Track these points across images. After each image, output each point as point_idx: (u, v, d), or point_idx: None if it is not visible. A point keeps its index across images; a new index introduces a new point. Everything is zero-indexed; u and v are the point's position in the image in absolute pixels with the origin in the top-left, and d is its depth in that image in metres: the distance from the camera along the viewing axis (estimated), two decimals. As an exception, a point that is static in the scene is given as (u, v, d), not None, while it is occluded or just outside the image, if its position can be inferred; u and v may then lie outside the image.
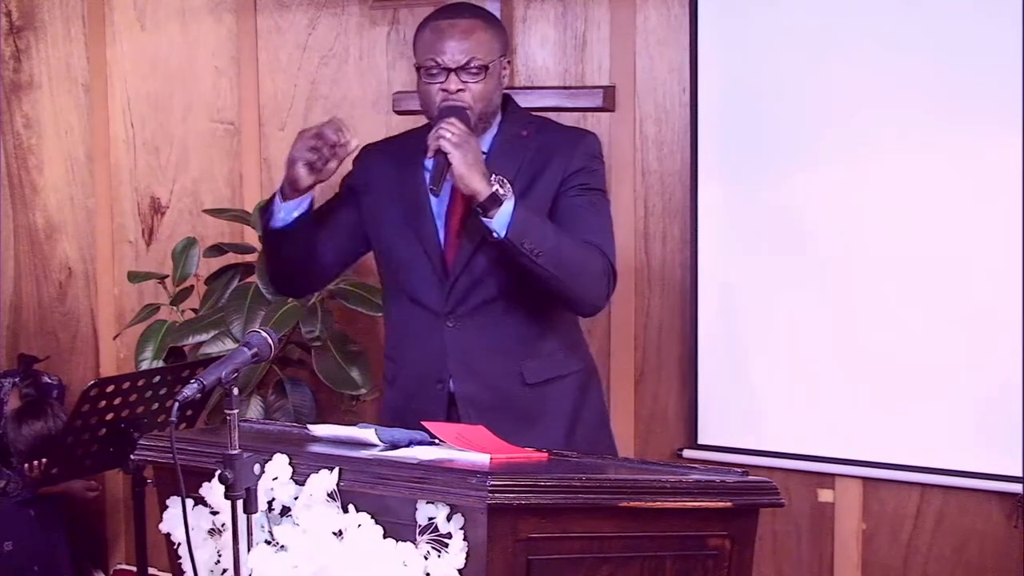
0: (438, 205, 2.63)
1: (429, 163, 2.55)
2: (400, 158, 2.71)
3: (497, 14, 3.51)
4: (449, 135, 2.44)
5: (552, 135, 2.67)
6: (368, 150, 2.79)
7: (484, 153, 2.58)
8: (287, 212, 2.60)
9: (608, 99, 3.49)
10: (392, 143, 2.83)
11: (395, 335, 2.75)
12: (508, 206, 2.44)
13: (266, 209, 2.65)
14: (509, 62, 2.66)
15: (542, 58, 3.61)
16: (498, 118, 2.65)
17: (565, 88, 3.56)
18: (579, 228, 2.56)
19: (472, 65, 2.53)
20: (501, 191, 2.44)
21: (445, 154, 2.44)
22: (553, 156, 2.61)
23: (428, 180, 2.50)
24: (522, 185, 2.55)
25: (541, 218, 2.52)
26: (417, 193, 2.64)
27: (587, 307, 2.63)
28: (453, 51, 2.53)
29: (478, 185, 2.43)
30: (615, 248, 2.65)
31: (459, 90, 2.53)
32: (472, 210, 2.49)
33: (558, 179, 2.60)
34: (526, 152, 2.62)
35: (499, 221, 2.44)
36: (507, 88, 3.50)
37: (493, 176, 2.46)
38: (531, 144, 2.63)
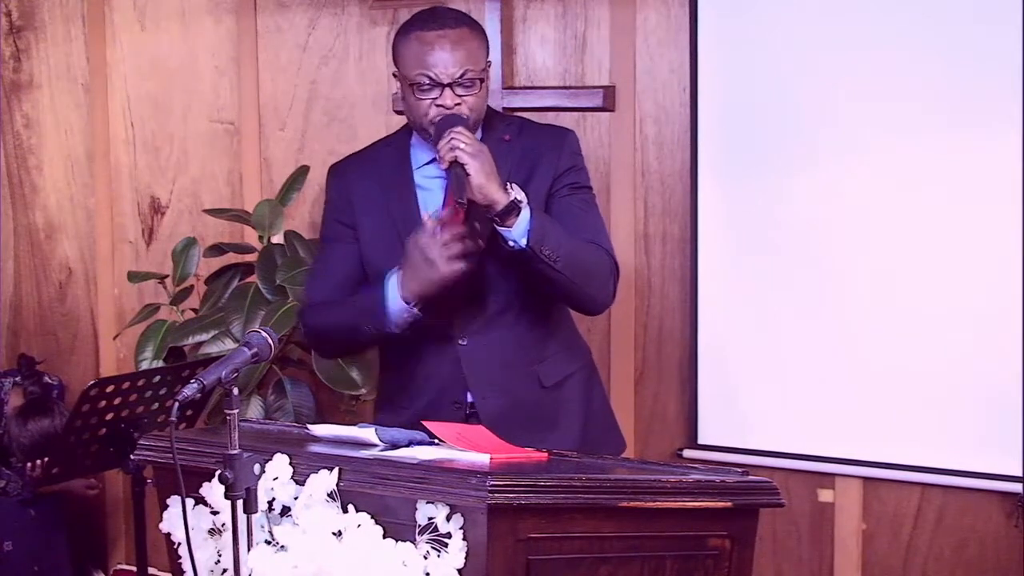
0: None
1: (428, 180, 2.52)
2: (380, 175, 2.65)
3: (497, 14, 3.53)
4: (463, 145, 2.38)
5: (533, 137, 2.63)
6: (340, 170, 2.72)
7: None
8: (402, 317, 2.49)
9: (608, 99, 3.50)
10: (364, 158, 2.73)
11: (399, 360, 2.67)
12: (526, 214, 2.40)
13: (377, 312, 2.51)
14: (491, 62, 2.61)
15: (542, 58, 3.61)
16: (480, 123, 2.61)
17: (565, 88, 3.56)
18: (578, 228, 2.54)
19: (466, 78, 2.48)
20: (519, 198, 2.40)
21: (461, 164, 2.38)
22: (540, 158, 2.58)
23: (448, 194, 2.43)
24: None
25: (554, 222, 2.48)
26: (407, 217, 2.58)
27: (597, 306, 2.61)
28: (446, 64, 2.47)
29: (497, 195, 2.38)
30: (611, 243, 2.65)
31: (456, 104, 2.47)
32: (487, 220, 2.43)
33: (548, 181, 2.58)
34: (512, 156, 2.58)
35: (518, 229, 2.40)
36: (507, 88, 3.55)
37: (507, 184, 2.41)
38: (515, 148, 2.59)
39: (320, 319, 2.66)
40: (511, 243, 2.41)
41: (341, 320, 2.61)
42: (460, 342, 2.58)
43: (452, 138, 2.40)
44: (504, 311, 2.58)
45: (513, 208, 2.39)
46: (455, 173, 2.40)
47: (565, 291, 2.50)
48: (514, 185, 2.43)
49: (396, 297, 2.48)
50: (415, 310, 2.48)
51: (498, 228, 2.42)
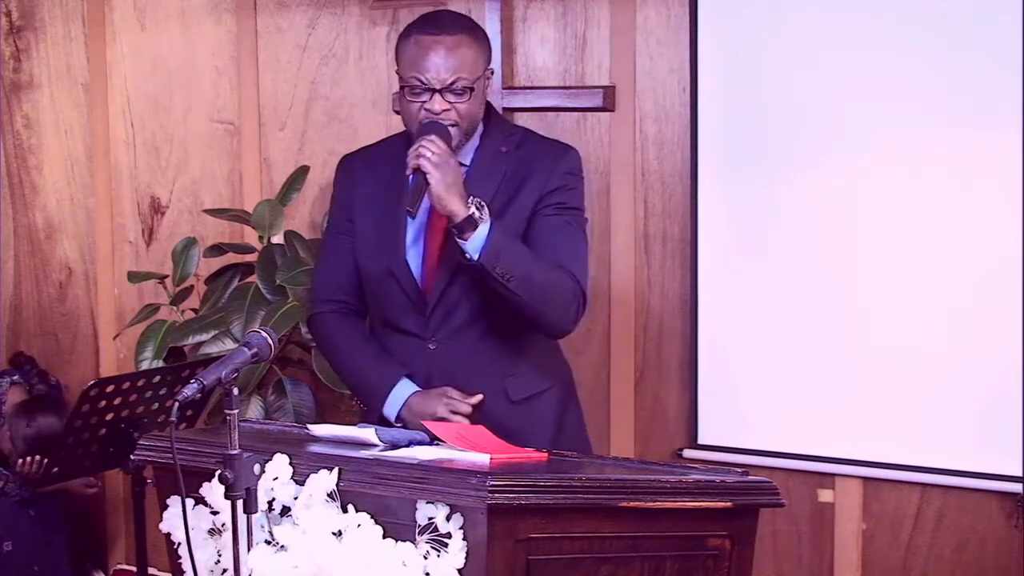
0: (417, 228, 2.60)
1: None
2: (380, 173, 2.68)
3: (497, 14, 3.53)
4: (429, 154, 2.41)
5: (532, 150, 2.63)
6: (347, 163, 2.76)
7: (465, 167, 2.56)
8: (389, 417, 2.62)
9: (608, 99, 3.49)
10: (370, 153, 2.77)
11: None
12: (483, 230, 2.42)
13: (373, 403, 2.64)
14: (492, 71, 2.63)
15: (542, 58, 3.61)
16: (480, 129, 2.61)
17: (565, 88, 3.56)
18: (552, 249, 2.54)
19: (457, 85, 2.49)
20: (477, 214, 2.42)
21: (424, 173, 2.41)
22: (532, 173, 2.58)
23: (407, 201, 2.46)
24: (501, 202, 2.53)
25: (515, 242, 2.49)
26: (393, 218, 2.61)
27: (554, 331, 2.62)
28: (438, 69, 2.48)
29: (455, 207, 2.41)
30: (587, 270, 2.64)
31: (444, 110, 2.49)
32: (448, 230, 2.47)
33: (536, 197, 2.58)
34: (506, 168, 2.59)
35: (473, 244, 2.42)
36: (507, 88, 3.55)
37: (471, 198, 2.43)
38: (510, 160, 2.60)
39: (331, 347, 2.78)
40: (467, 256, 2.44)
41: (345, 371, 2.75)
42: (430, 345, 2.61)
43: (420, 146, 2.43)
44: (472, 322, 2.59)
45: (471, 222, 2.41)
46: (416, 181, 2.43)
47: (520, 311, 2.50)
48: (477, 200, 2.44)
49: (396, 409, 2.59)
50: (399, 424, 2.58)
51: (456, 239, 2.44)
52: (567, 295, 2.54)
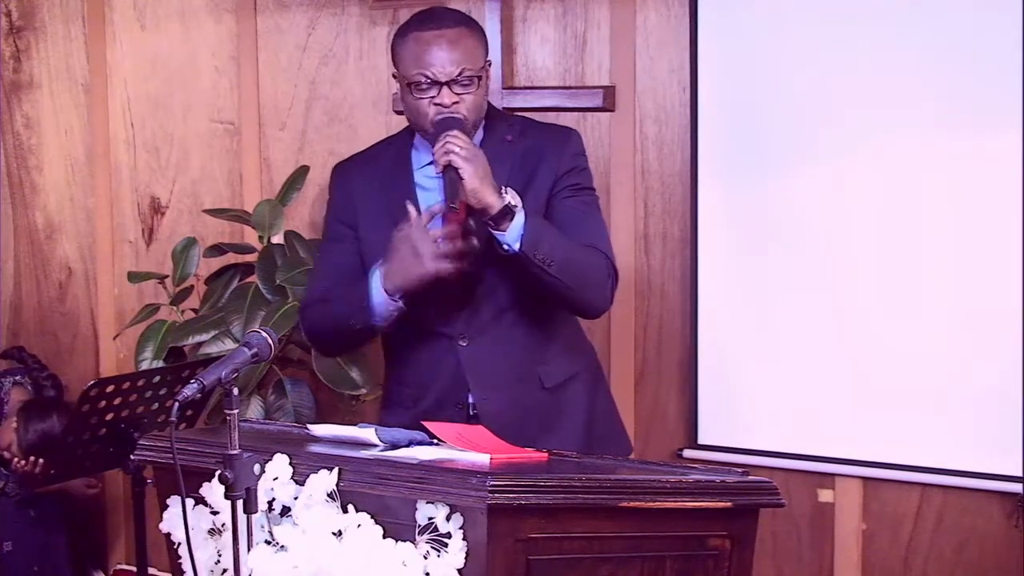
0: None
1: (429, 180, 2.53)
2: (381, 175, 2.66)
3: (497, 14, 3.53)
4: (457, 148, 2.40)
5: (536, 137, 2.63)
6: (343, 169, 2.74)
7: None
8: (387, 310, 2.51)
9: (608, 99, 3.49)
10: (367, 158, 2.74)
11: (402, 360, 2.69)
12: (520, 218, 2.41)
13: (362, 305, 2.52)
14: (491, 62, 2.62)
15: (542, 58, 3.61)
16: (481, 123, 2.62)
17: (565, 88, 3.56)
18: (576, 230, 2.55)
19: (464, 76, 2.49)
20: (513, 203, 2.41)
21: (456, 169, 2.40)
22: (542, 159, 2.59)
23: (443, 197, 2.44)
24: (515, 190, 2.51)
25: (549, 227, 2.49)
26: (404, 221, 2.57)
27: (593, 311, 2.63)
28: (443, 63, 2.48)
29: (490, 198, 2.40)
30: (611, 247, 2.65)
31: (454, 103, 2.48)
32: (483, 224, 2.44)
33: (550, 182, 2.58)
34: (513, 157, 2.59)
35: (511, 234, 2.41)
36: (507, 88, 3.55)
37: (502, 188, 2.43)
38: (517, 149, 2.60)
39: (315, 315, 2.68)
40: (505, 247, 2.43)
41: (332, 315, 2.62)
42: (460, 343, 2.58)
43: (447, 142, 2.42)
44: (504, 312, 2.59)
45: (507, 212, 2.40)
46: (449, 177, 2.41)
47: (560, 295, 2.51)
48: (509, 189, 2.44)
49: (379, 289, 2.50)
50: (399, 303, 2.50)
51: (492, 232, 2.43)
52: (602, 273, 2.55)
